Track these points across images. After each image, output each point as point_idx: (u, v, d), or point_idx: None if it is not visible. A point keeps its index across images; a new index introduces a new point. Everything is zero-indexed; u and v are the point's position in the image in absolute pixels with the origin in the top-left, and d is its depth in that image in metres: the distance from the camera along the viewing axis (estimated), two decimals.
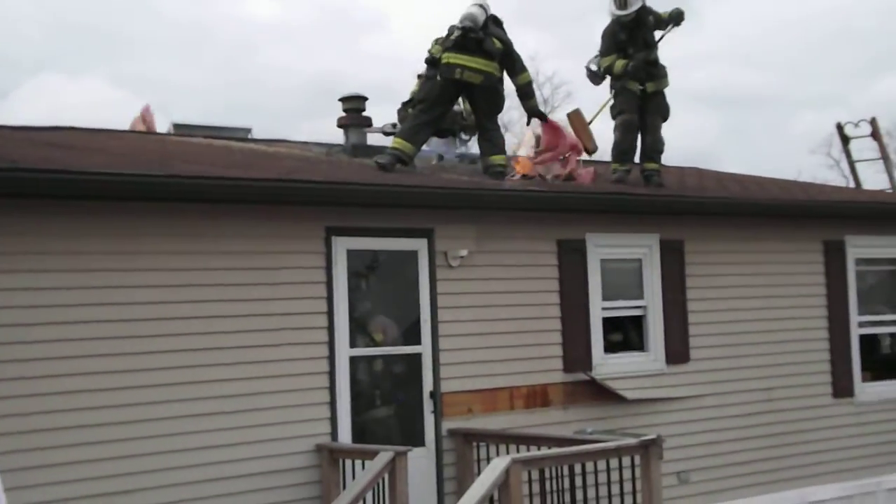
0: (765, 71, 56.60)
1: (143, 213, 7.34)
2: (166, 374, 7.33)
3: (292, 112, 48.88)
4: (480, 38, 9.75)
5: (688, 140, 50.52)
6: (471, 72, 9.73)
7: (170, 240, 7.48)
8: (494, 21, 9.99)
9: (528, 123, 11.03)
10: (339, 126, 11.19)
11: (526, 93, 10.30)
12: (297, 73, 51.34)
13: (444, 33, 9.95)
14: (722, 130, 55.16)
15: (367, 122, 11.25)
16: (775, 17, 57.68)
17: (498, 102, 10.22)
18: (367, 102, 11.21)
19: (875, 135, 14.85)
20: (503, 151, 10.13)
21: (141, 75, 46.59)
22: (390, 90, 31.47)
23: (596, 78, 11.21)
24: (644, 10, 10.82)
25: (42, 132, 9.60)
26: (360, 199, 8.24)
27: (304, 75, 51.06)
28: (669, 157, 11.92)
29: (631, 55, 10.82)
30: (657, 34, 11.02)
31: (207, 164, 9.01)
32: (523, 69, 10.25)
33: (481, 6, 9.88)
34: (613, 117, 11.01)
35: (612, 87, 11.09)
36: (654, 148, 10.98)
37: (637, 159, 11.08)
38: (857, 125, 15.19)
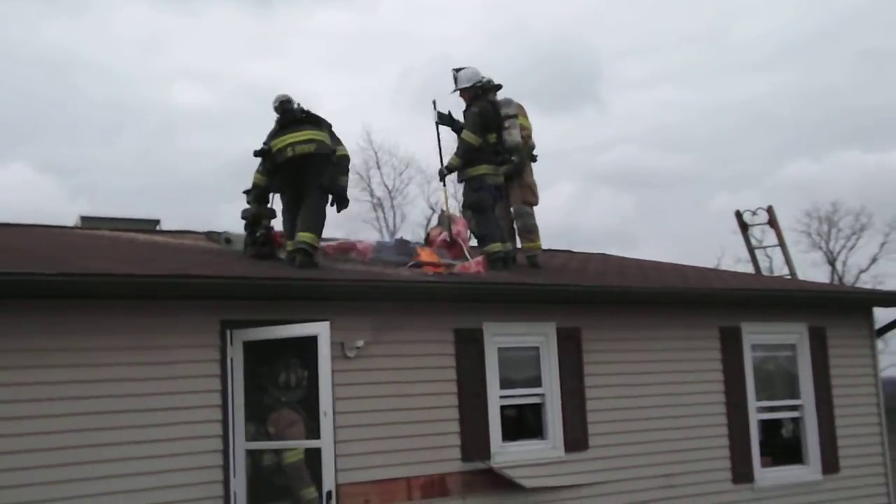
0: (682, 154, 58.88)
1: (31, 310, 7.36)
2: (51, 472, 7.29)
3: (217, 194, 49.23)
4: (303, 109, 9.78)
5: (606, 220, 51.90)
6: (302, 144, 9.58)
7: (60, 336, 7.49)
8: None
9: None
10: (243, 218, 11.26)
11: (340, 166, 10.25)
12: (221, 154, 51.86)
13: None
14: (642, 211, 56.69)
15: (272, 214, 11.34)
16: (689, 102, 59.95)
17: (326, 173, 9.87)
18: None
19: (772, 222, 15.36)
20: (313, 230, 9.57)
21: (66, 158, 46.62)
22: None
23: None
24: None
25: None
26: (254, 294, 8.34)
27: (226, 157, 51.47)
28: (585, 240, 12.25)
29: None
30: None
31: (108, 259, 9.10)
32: (340, 143, 10.30)
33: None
34: None
35: None
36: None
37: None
38: (754, 213, 15.73)
